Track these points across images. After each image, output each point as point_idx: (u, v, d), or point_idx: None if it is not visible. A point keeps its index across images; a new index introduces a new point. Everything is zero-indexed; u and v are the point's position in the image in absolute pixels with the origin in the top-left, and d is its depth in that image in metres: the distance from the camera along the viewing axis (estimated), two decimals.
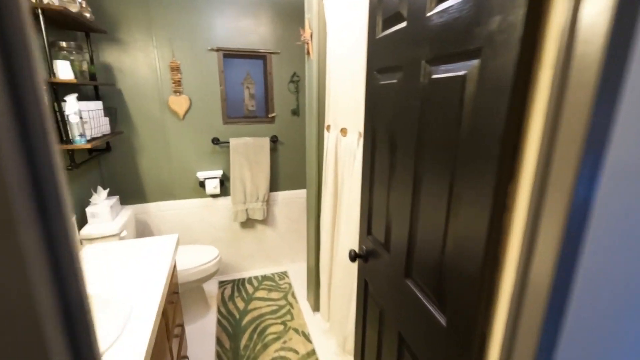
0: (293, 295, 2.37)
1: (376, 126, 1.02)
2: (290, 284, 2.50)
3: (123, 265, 1.34)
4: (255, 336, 1.96)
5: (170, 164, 2.26)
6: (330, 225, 1.74)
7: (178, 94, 2.15)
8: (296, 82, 2.39)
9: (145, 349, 0.93)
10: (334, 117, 1.64)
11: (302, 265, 2.70)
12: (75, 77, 1.56)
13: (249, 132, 2.37)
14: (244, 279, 2.56)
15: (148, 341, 0.96)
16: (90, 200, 1.76)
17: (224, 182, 2.40)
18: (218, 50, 2.18)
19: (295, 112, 2.45)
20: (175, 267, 1.55)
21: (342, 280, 1.63)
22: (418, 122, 0.77)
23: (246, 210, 2.44)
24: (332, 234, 1.75)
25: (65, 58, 1.54)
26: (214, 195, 2.41)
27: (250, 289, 2.44)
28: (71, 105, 1.45)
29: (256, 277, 2.59)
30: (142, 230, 2.29)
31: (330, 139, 1.68)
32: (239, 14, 2.18)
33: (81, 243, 1.64)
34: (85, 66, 1.67)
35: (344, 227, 1.58)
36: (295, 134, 2.48)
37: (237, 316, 2.14)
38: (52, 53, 1.51)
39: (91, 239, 1.65)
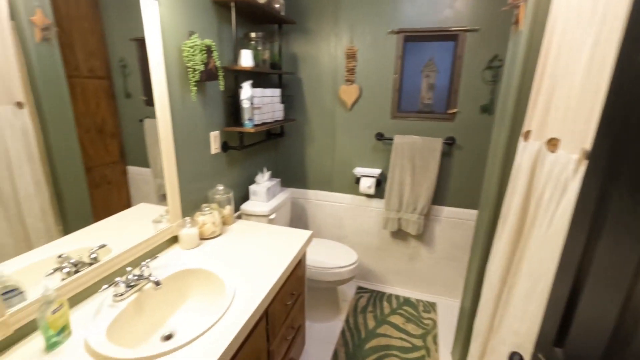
0: (435, 339, 1.88)
1: (627, 147, 0.47)
2: (435, 323, 2.01)
3: (251, 248, 1.36)
4: None
5: (333, 155, 2.21)
6: (499, 274, 1.17)
7: (349, 83, 2.03)
8: (496, 68, 1.77)
9: (223, 350, 0.83)
10: (541, 120, 1.04)
11: (456, 303, 2.12)
12: (256, 65, 1.68)
13: (420, 130, 1.98)
14: (383, 294, 2.28)
15: (231, 339, 0.87)
16: (255, 179, 1.93)
17: (381, 182, 2.15)
18: (399, 32, 1.88)
19: (487, 109, 1.84)
20: (302, 263, 1.46)
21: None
22: None
23: (399, 219, 2.10)
24: (499, 289, 1.17)
25: (252, 48, 1.67)
26: (367, 195, 2.21)
27: (387, 308, 2.13)
28: (245, 91, 1.57)
29: (397, 297, 2.24)
30: (300, 213, 2.40)
31: (527, 151, 1.09)
32: None
33: (240, 217, 1.82)
34: (267, 55, 1.78)
35: (518, 290, 1.00)
36: (480, 138, 1.88)
37: (363, 335, 1.90)
38: (242, 43, 1.68)
39: (248, 215, 1.81)
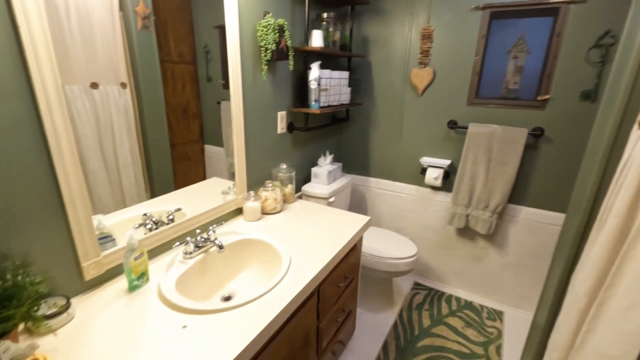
0: (498, 350, 1.71)
1: None
2: (500, 332, 1.82)
3: (309, 226, 1.38)
4: None
5: (398, 142, 2.12)
6: (587, 286, 0.99)
7: (423, 66, 1.90)
8: (607, 46, 1.49)
9: (275, 315, 0.87)
10: None
11: (526, 315, 1.90)
12: (326, 46, 1.67)
13: (500, 119, 1.78)
14: (442, 293, 2.14)
15: (283, 306, 0.90)
16: (318, 161, 1.95)
17: (449, 174, 1.99)
18: (484, 8, 1.69)
19: (589, 96, 1.57)
20: (357, 248, 1.44)
21: None
22: None
23: (467, 216, 1.93)
24: (585, 303, 1.00)
25: (323, 29, 1.67)
26: (433, 187, 2.07)
27: (445, 308, 2.00)
28: (314, 72, 1.57)
29: (458, 299, 2.09)
30: (359, 201, 2.37)
31: None
32: None
33: (301, 197, 1.86)
34: (337, 36, 1.76)
35: (612, 306, 0.84)
36: (577, 130, 1.61)
37: (417, 332, 1.81)
38: (314, 24, 1.68)
39: (308, 196, 1.84)
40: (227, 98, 1.32)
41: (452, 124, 1.90)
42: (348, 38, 1.87)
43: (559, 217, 1.73)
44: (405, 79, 1.98)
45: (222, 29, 1.25)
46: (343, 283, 1.36)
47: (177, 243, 1.10)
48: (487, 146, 1.78)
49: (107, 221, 0.99)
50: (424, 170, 2.01)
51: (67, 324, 0.82)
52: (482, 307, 2.03)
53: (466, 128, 1.82)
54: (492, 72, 1.77)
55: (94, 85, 0.95)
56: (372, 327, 1.84)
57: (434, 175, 1.95)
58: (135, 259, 0.94)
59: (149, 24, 1.06)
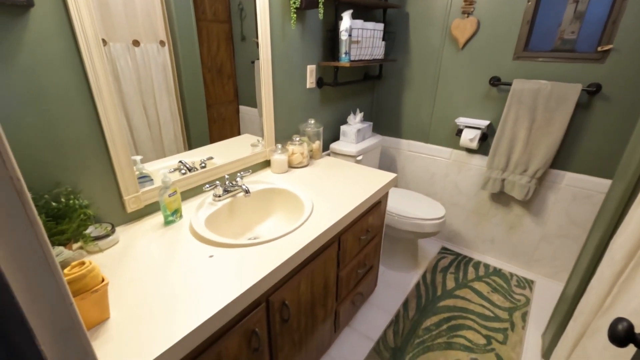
0: (524, 317, 1.67)
1: None
2: (528, 300, 1.78)
3: (334, 180, 1.39)
4: (443, 326, 1.60)
5: (433, 102, 2.01)
6: (626, 248, 0.92)
7: (466, 15, 1.74)
8: None
9: (296, 251, 0.92)
10: None
11: (559, 288, 1.82)
12: None
13: (550, 74, 1.61)
14: (470, 259, 2.10)
15: (304, 244, 0.95)
16: (347, 119, 1.92)
17: (487, 136, 1.88)
18: None
19: None
20: (382, 205, 1.45)
21: (602, 354, 0.88)
22: None
23: (502, 180, 1.83)
24: (622, 266, 0.93)
25: None
26: (468, 150, 1.97)
27: (471, 274, 1.97)
28: (345, 22, 1.51)
29: (486, 266, 2.04)
30: (388, 163, 2.33)
31: None
32: None
33: (329, 155, 1.87)
34: None
35: None
36: None
37: (439, 293, 1.82)
38: None
39: (335, 154, 1.84)
40: None
41: (495, 81, 1.76)
42: None
43: (608, 185, 1.59)
44: (445, 32, 1.84)
45: None
46: (365, 236, 1.39)
47: (207, 186, 1.17)
48: (532, 105, 1.63)
49: (148, 167, 1.08)
50: (459, 132, 1.91)
51: (112, 247, 0.92)
52: (511, 274, 1.97)
53: (510, 85, 1.68)
54: (546, 21, 1.58)
55: (136, 43, 0.99)
56: (394, 285, 1.87)
57: (469, 137, 1.85)
58: (170, 195, 1.02)
59: None
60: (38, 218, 0.32)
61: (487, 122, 1.83)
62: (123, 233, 0.99)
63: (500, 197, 1.95)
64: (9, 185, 0.29)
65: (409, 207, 1.82)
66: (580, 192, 1.70)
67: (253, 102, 1.39)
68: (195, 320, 0.68)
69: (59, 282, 0.35)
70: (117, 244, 0.94)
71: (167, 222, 1.04)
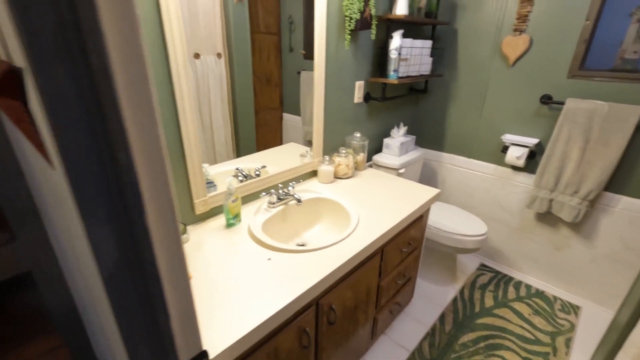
0: (568, 343, 1.62)
1: None
2: (573, 326, 1.71)
3: (377, 192, 1.46)
4: (480, 344, 1.59)
5: (478, 117, 2.01)
6: None
7: (518, 33, 1.73)
8: None
9: (343, 262, 0.99)
10: None
11: (606, 314, 1.73)
12: (411, 13, 1.64)
13: (607, 94, 1.56)
14: (510, 278, 2.06)
15: (350, 256, 1.02)
16: (391, 132, 1.97)
17: (535, 155, 1.84)
18: None
19: None
20: (423, 218, 1.48)
21: None
22: None
23: (550, 200, 1.79)
24: None
25: None
26: (514, 167, 1.94)
27: (511, 293, 1.93)
28: (395, 41, 1.57)
29: (528, 287, 1.99)
30: (429, 175, 2.34)
31: None
32: None
33: (371, 166, 1.93)
34: (423, 2, 1.69)
35: None
36: None
37: (477, 309, 1.81)
38: None
39: (378, 166, 1.90)
40: (308, 68, 1.41)
41: (546, 99, 1.72)
42: (435, 4, 1.79)
43: None
44: (495, 48, 1.83)
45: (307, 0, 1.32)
46: (406, 249, 1.43)
47: (264, 193, 1.29)
48: (587, 125, 1.59)
49: (209, 172, 1.20)
50: (505, 149, 1.89)
51: (184, 244, 1.06)
52: (555, 298, 1.91)
53: (562, 104, 1.64)
54: (605, 40, 1.54)
55: (196, 56, 1.11)
56: (431, 297, 1.89)
57: (516, 154, 1.82)
58: (233, 201, 1.14)
59: None
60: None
61: (536, 141, 1.80)
62: (192, 232, 1.12)
63: (547, 217, 1.89)
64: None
65: (450, 222, 1.83)
66: (637, 217, 1.61)
67: (295, 110, 1.47)
68: (263, 315, 0.78)
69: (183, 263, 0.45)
70: (188, 242, 1.07)
71: (229, 225, 1.16)
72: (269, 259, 1.00)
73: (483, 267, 2.16)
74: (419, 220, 1.46)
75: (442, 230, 1.79)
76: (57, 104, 0.30)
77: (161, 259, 0.41)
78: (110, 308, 0.46)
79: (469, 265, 2.18)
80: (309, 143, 1.55)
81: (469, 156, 2.12)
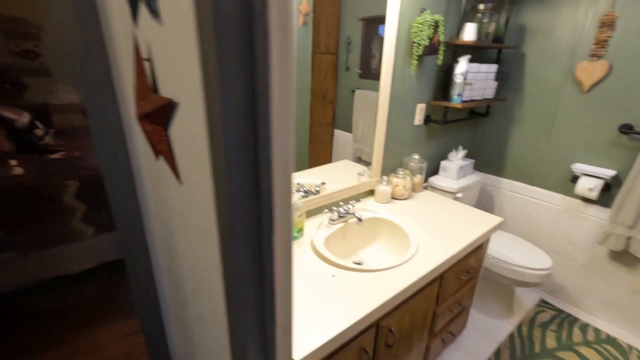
0: None
1: None
2: None
3: (435, 216, 1.44)
4: None
5: (545, 144, 1.91)
6: None
7: (595, 58, 1.64)
8: None
9: (404, 287, 1.00)
10: None
11: None
12: (479, 39, 1.63)
13: None
14: (575, 319, 1.89)
15: (410, 283, 1.02)
16: (449, 155, 1.94)
17: (611, 187, 1.70)
18: None
19: None
20: (483, 247, 1.44)
21: None
22: None
23: (628, 239, 1.63)
24: None
25: (477, 21, 1.63)
26: (584, 199, 1.81)
27: (577, 336, 1.77)
28: (461, 66, 1.57)
29: (596, 331, 1.81)
30: (485, 201, 2.25)
31: None
32: None
33: (426, 188, 1.91)
34: (492, 28, 1.68)
35: None
36: None
37: (537, 349, 1.68)
38: (467, 16, 1.65)
39: (434, 188, 1.88)
40: (362, 87, 1.45)
41: (626, 129, 1.60)
42: (503, 29, 1.76)
43: None
44: (567, 73, 1.75)
45: (366, 21, 1.36)
46: (464, 277, 1.39)
47: (326, 210, 1.34)
48: None
49: None
50: (575, 178, 1.77)
51: None
52: (630, 347, 1.71)
53: None
54: None
55: None
56: (485, 330, 1.79)
57: (589, 186, 1.70)
58: (298, 216, 1.20)
59: (307, 20, 1.25)
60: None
61: (612, 172, 1.67)
62: None
63: (623, 256, 1.73)
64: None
65: (510, 252, 1.74)
66: None
67: (346, 126, 1.50)
68: (329, 332, 0.81)
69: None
70: None
71: (293, 238, 1.22)
72: (333, 276, 1.03)
73: (543, 304, 2.00)
74: (479, 249, 1.42)
75: (501, 260, 1.71)
76: (229, 141, 0.37)
77: (278, 274, 0.47)
78: (226, 314, 0.52)
79: (527, 299, 2.04)
80: (359, 160, 1.58)
81: (531, 183, 2.01)
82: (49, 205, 1.73)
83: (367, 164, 1.58)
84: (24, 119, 2.16)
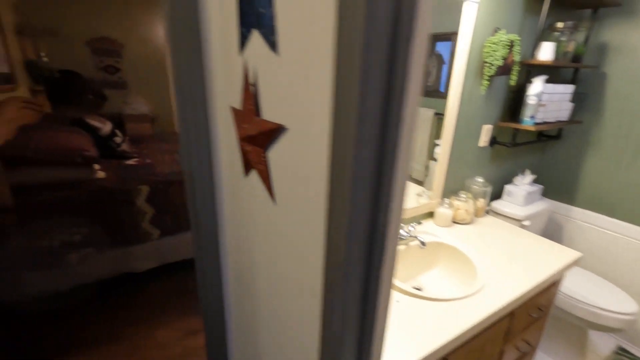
0: None
1: None
2: None
3: (502, 245, 1.35)
4: None
5: (627, 171, 1.72)
6: None
7: None
8: None
9: (465, 328, 0.94)
10: None
11: None
12: (557, 58, 1.54)
13: None
14: None
15: (476, 322, 0.96)
16: (514, 179, 1.83)
17: None
18: None
19: None
20: (557, 283, 1.32)
21: None
22: None
23: None
24: None
25: (554, 39, 1.53)
26: None
27: None
28: (536, 87, 1.48)
29: None
30: (552, 231, 2.07)
31: None
32: None
33: (487, 212, 1.80)
34: (571, 47, 1.57)
35: None
36: None
37: None
38: (544, 35, 1.57)
39: (496, 213, 1.77)
40: (423, 105, 1.41)
41: None
42: (583, 48, 1.64)
43: None
44: None
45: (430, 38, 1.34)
46: (535, 314, 1.28)
47: None
48: None
49: None
50: None
51: None
52: None
53: None
54: None
55: None
56: None
57: None
58: None
59: None
60: None
61: None
62: None
63: None
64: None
65: (586, 291, 1.57)
66: None
67: None
68: None
69: None
70: None
71: None
72: (397, 302, 1.00)
73: (623, 352, 1.77)
74: (552, 285, 1.30)
75: (575, 299, 1.55)
76: (356, 174, 0.38)
77: (381, 309, 0.46)
78: (320, 331, 0.52)
79: (602, 345, 1.81)
80: (414, 180, 1.53)
81: (611, 215, 1.82)
82: (124, 207, 1.89)
83: (418, 182, 1.53)
84: (107, 127, 2.40)
